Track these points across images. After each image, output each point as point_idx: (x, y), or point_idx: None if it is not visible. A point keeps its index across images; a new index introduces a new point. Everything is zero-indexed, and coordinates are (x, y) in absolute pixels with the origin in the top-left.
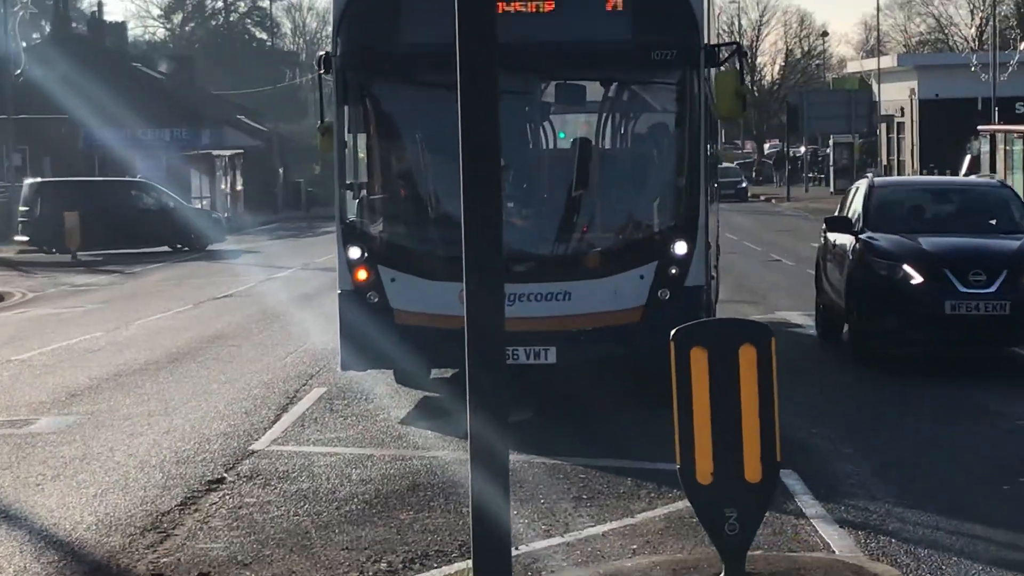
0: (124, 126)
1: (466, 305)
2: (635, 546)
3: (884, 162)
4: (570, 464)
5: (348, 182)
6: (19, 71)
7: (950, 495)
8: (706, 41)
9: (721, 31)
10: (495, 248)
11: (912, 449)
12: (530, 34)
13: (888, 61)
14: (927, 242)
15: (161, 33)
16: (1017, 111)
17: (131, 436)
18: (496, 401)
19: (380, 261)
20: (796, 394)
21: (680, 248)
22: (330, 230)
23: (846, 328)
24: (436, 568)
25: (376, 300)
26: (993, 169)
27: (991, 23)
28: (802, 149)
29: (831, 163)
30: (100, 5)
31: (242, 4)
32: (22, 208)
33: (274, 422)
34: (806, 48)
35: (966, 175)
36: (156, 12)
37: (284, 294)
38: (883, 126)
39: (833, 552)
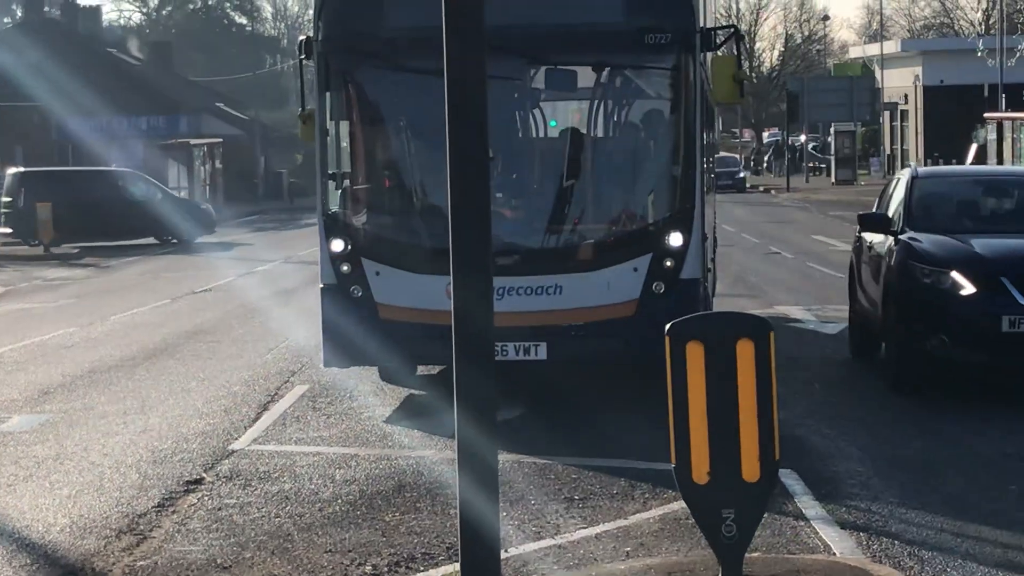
0: (98, 114)
1: (453, 299)
2: (629, 548)
3: (887, 151)
4: (561, 464)
5: (331, 172)
6: None
7: (956, 495)
8: (702, 24)
9: (718, 15)
10: (483, 240)
11: (917, 447)
12: (519, 16)
13: (891, 46)
14: (980, 244)
15: (137, 18)
16: None
17: (106, 435)
18: (484, 399)
19: (364, 254)
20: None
21: (675, 240)
22: (313, 222)
23: (884, 347)
24: (423, 571)
25: (360, 294)
26: (1000, 158)
27: (998, 6)
28: (802, 138)
29: (832, 152)
30: None
31: None
32: (5, 199)
33: (255, 420)
34: (806, 33)
35: (972, 164)
36: None
37: (265, 288)
38: (886, 114)
39: (834, 554)
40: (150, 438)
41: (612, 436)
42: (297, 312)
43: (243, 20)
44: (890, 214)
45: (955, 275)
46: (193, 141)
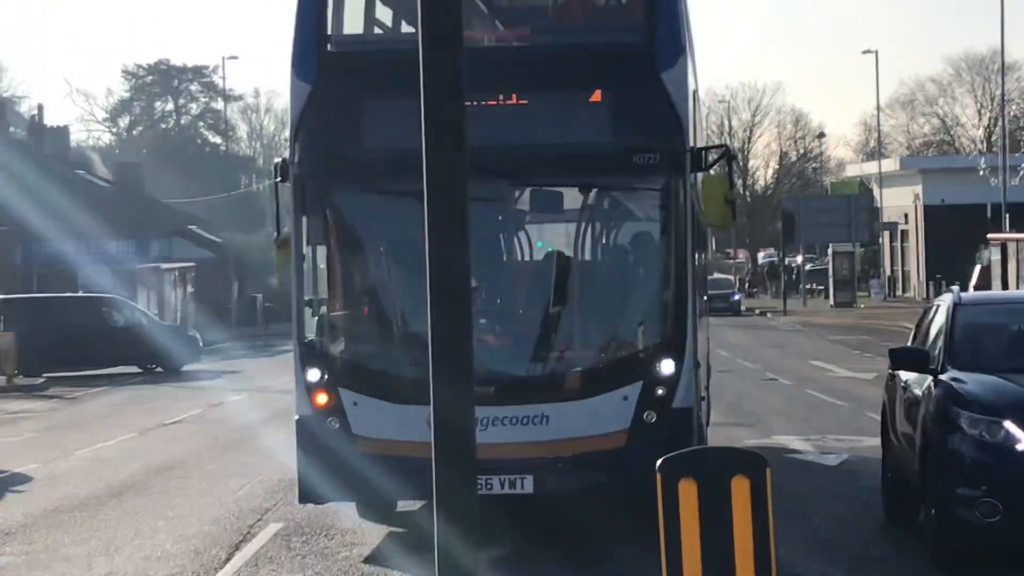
0: (66, 238)
1: (433, 429)
2: None
3: (888, 272)
4: None
5: (307, 298)
6: None
7: None
8: (692, 144)
9: (710, 131)
10: (466, 368)
11: None
12: (503, 135)
13: (890, 164)
14: None
15: (107, 138)
16: None
17: None
18: (468, 535)
19: (341, 383)
20: None
21: (667, 367)
22: (288, 349)
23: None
24: None
25: (337, 426)
26: (1005, 281)
27: (1000, 123)
28: (799, 258)
29: (830, 273)
30: (41, 108)
31: (194, 106)
32: None
33: (225, 562)
34: (802, 150)
35: (976, 288)
36: (101, 115)
37: (238, 419)
38: (886, 234)
39: None
40: None
41: (603, 574)
42: (272, 445)
43: (217, 139)
44: (928, 348)
45: (1009, 425)
46: (164, 266)
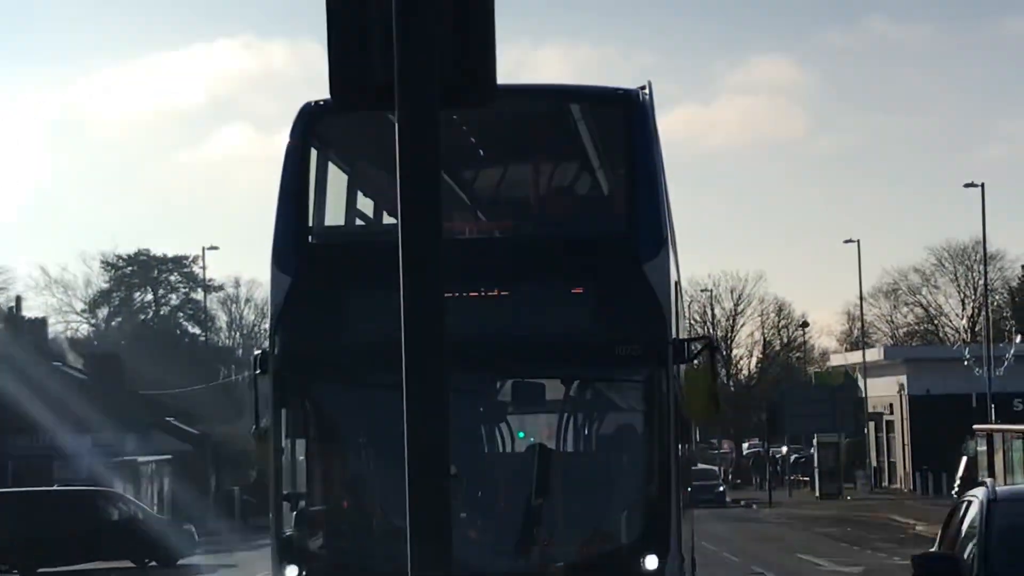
0: (42, 431)
1: None
2: None
3: (874, 463)
4: None
5: (285, 492)
6: None
7: None
8: (675, 335)
9: (692, 320)
10: (445, 562)
11: None
12: (484, 326)
13: (874, 354)
14: None
15: (85, 329)
16: (1015, 408)
17: None
18: None
19: None
20: None
21: (650, 562)
22: (266, 543)
23: None
24: None
25: None
26: (992, 471)
27: (984, 313)
28: (784, 449)
29: (816, 465)
30: (18, 300)
31: (174, 297)
32: None
33: None
34: (785, 339)
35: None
36: (80, 307)
37: None
38: (871, 424)
39: None
40: None
41: None
42: None
43: (197, 330)
44: (960, 552)
45: None
46: (141, 459)
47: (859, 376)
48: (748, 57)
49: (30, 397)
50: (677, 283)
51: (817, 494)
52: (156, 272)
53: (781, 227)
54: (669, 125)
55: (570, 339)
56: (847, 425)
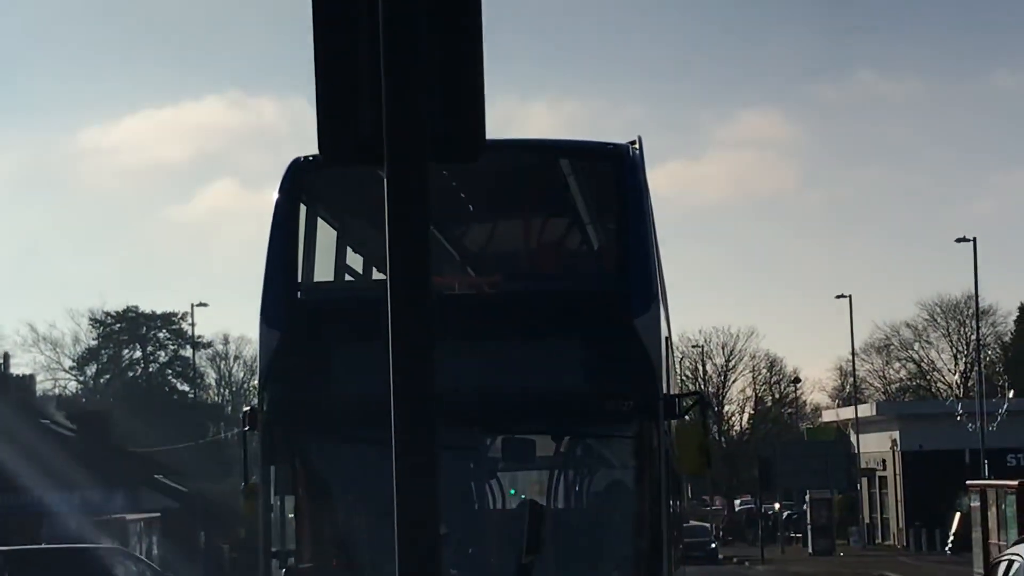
0: (28, 489)
1: None
2: None
3: (867, 519)
4: None
5: (274, 549)
6: None
7: None
8: (666, 391)
9: (684, 376)
10: None
11: None
12: (473, 381)
13: (866, 410)
14: None
15: (73, 386)
16: (1008, 464)
17: None
18: None
19: None
20: None
21: None
22: None
23: None
24: None
25: None
26: (986, 528)
27: (976, 368)
28: (776, 505)
29: (808, 521)
30: (6, 357)
31: (162, 354)
32: None
33: None
34: (777, 395)
35: (955, 535)
36: (68, 364)
37: None
38: (864, 480)
39: None
40: None
41: None
42: None
43: (185, 387)
44: None
45: None
46: (129, 517)
47: (851, 432)
48: (736, 111)
49: (17, 455)
50: (668, 338)
51: (810, 550)
52: (145, 329)
53: (772, 282)
54: (659, 180)
55: (560, 395)
56: (840, 481)
